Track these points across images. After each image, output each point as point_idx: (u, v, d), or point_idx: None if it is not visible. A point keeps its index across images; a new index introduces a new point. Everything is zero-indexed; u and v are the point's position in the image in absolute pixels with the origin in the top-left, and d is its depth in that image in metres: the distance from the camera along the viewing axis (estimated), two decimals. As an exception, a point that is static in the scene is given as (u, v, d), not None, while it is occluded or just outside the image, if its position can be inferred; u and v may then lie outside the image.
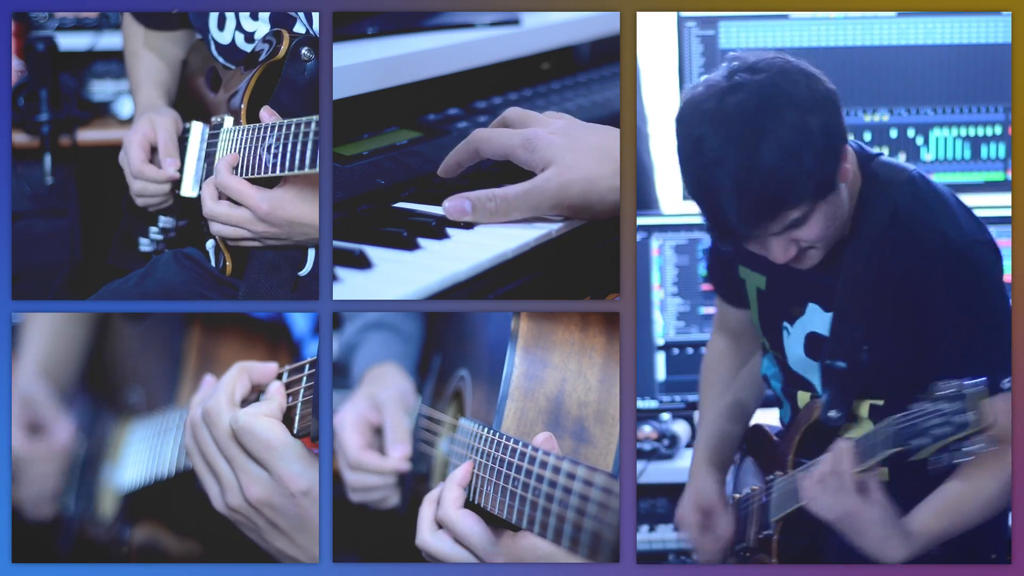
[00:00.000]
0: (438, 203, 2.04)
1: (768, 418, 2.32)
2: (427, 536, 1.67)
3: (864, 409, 2.06)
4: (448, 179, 2.03)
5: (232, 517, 1.76)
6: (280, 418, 1.74)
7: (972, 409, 1.75)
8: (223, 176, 2.06)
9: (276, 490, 1.71)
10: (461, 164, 2.01)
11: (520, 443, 1.59)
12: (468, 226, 1.93)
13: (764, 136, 1.81)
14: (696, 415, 2.38)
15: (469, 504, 1.67)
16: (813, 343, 2.09)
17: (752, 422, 2.32)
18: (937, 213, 1.98)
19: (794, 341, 2.12)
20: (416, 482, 2.12)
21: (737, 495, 2.27)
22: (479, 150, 1.97)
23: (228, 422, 1.73)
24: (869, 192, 2.00)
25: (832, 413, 2.05)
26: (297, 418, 1.76)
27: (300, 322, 2.28)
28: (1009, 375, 1.95)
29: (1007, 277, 2.08)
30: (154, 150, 2.26)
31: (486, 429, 1.70)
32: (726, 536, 2.21)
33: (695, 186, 1.89)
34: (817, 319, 2.08)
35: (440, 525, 1.66)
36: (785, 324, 2.13)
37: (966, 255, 1.96)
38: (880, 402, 2.04)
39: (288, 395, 1.77)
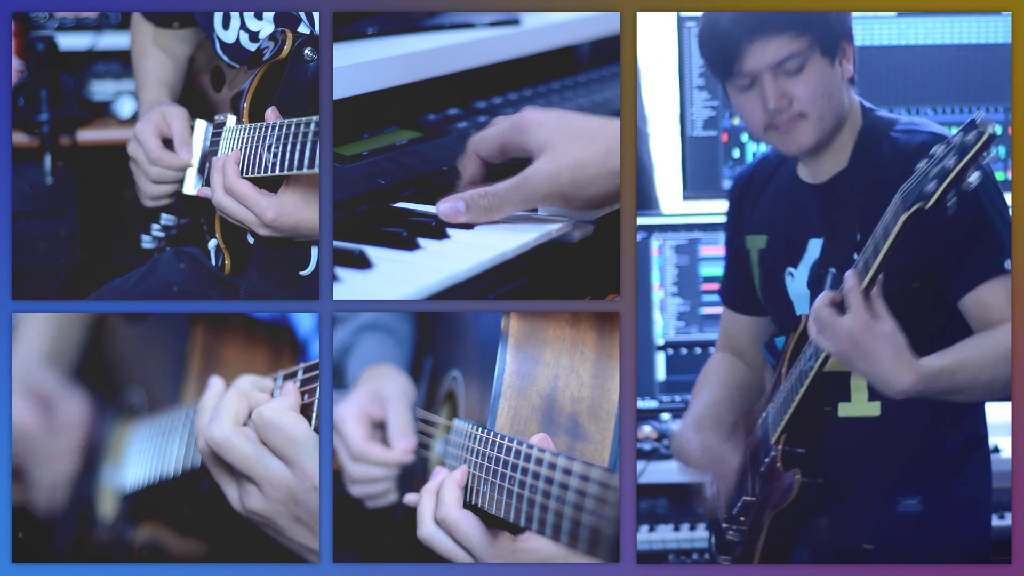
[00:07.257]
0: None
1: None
2: (431, 529, 1.68)
3: None
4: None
5: (252, 519, 1.77)
6: (299, 413, 1.77)
7: (973, 129, 1.78)
8: (231, 179, 2.07)
9: (299, 485, 1.73)
10: (474, 178, 1.99)
11: (516, 441, 1.59)
12: (468, 226, 1.93)
13: None
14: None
15: (467, 505, 1.68)
16: (815, 273, 2.14)
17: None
18: (933, 133, 2.07)
19: (798, 281, 2.17)
20: (413, 485, 2.12)
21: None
22: (477, 153, 1.96)
23: (233, 435, 1.74)
24: (868, 133, 2.12)
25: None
26: (314, 415, 1.78)
27: (305, 321, 2.29)
28: (1009, 256, 2.01)
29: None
30: (166, 142, 2.27)
31: (480, 429, 1.70)
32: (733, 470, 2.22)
33: (709, 32, 2.09)
34: (817, 250, 2.14)
35: (440, 523, 1.67)
36: (789, 270, 2.19)
37: None
38: None
39: (303, 392, 1.79)
